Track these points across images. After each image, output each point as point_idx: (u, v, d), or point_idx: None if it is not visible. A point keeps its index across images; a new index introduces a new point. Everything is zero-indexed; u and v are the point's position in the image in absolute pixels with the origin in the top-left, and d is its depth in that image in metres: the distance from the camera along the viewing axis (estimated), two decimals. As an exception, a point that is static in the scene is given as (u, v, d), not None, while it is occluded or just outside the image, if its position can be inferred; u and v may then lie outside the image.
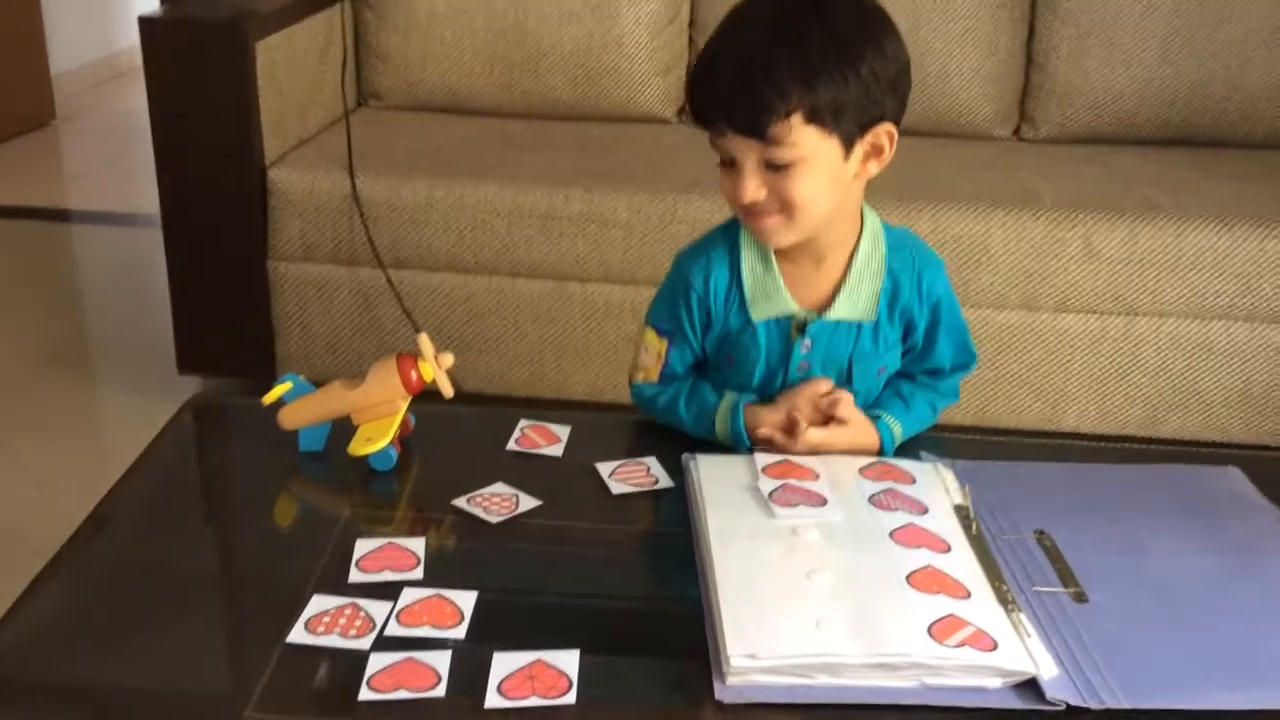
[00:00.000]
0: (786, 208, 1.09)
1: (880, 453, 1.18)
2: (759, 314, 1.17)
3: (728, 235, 1.19)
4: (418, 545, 1.02)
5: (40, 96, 4.27)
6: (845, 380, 1.20)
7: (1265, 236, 2.05)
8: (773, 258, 1.17)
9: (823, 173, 1.08)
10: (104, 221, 3.51)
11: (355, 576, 0.98)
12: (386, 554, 1.01)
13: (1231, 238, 2.05)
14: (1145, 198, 2.16)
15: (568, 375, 2.20)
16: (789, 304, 1.17)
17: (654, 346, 1.23)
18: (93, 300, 3.00)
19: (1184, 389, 2.15)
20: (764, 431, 1.16)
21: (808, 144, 1.06)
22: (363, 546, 1.01)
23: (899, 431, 1.19)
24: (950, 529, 1.05)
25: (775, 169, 1.07)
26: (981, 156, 2.40)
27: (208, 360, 2.25)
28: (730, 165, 1.10)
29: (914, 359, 1.24)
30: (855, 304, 1.17)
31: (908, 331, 1.21)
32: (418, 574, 0.99)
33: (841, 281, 1.17)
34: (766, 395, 1.22)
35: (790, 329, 1.17)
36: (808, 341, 1.17)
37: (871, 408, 1.21)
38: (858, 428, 1.17)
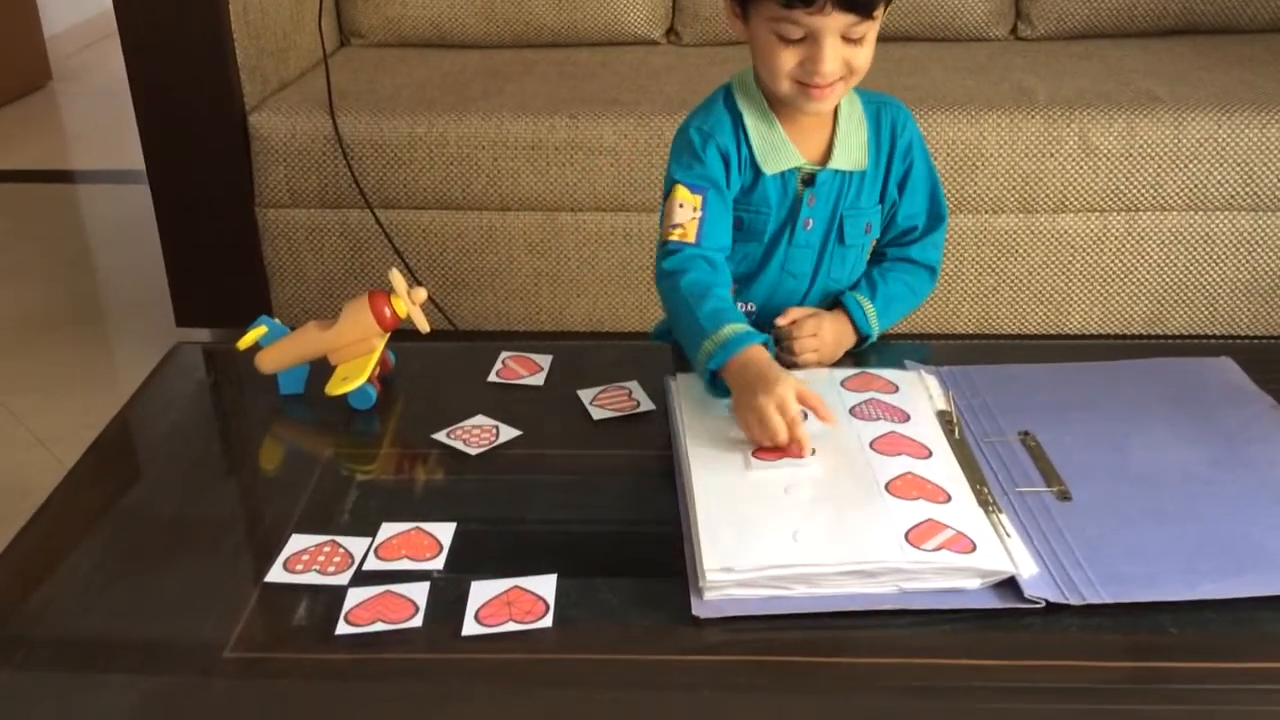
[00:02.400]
0: (850, 76, 1.13)
1: (858, 332, 1.22)
2: (770, 168, 1.19)
3: (728, 101, 1.21)
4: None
5: (35, 59, 4.25)
6: (838, 239, 1.24)
7: (1267, 123, 2.00)
8: (774, 116, 1.19)
9: (875, 38, 1.13)
10: (106, 180, 3.51)
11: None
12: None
13: (1232, 126, 2.00)
14: (1143, 90, 2.10)
15: (564, 307, 2.19)
16: (795, 156, 1.20)
17: (689, 200, 1.16)
18: (97, 259, 3.00)
19: (1189, 283, 2.11)
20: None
21: (879, 15, 1.11)
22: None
23: (871, 309, 1.23)
24: (932, 435, 1.04)
25: (852, 41, 1.10)
26: (976, 58, 2.35)
27: (205, 312, 2.25)
28: (796, 42, 1.10)
29: (888, 223, 1.27)
30: (851, 153, 1.21)
31: (886, 186, 1.24)
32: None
33: (834, 134, 1.20)
34: (768, 262, 1.24)
35: (796, 183, 1.20)
36: (812, 196, 1.21)
37: (856, 293, 1.24)
38: (829, 320, 1.21)
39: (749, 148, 1.19)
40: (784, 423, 0.98)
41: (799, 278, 1.25)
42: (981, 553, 0.89)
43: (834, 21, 1.08)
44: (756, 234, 1.23)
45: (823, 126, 1.21)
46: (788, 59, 1.11)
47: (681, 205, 1.17)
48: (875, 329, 1.23)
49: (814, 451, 1.00)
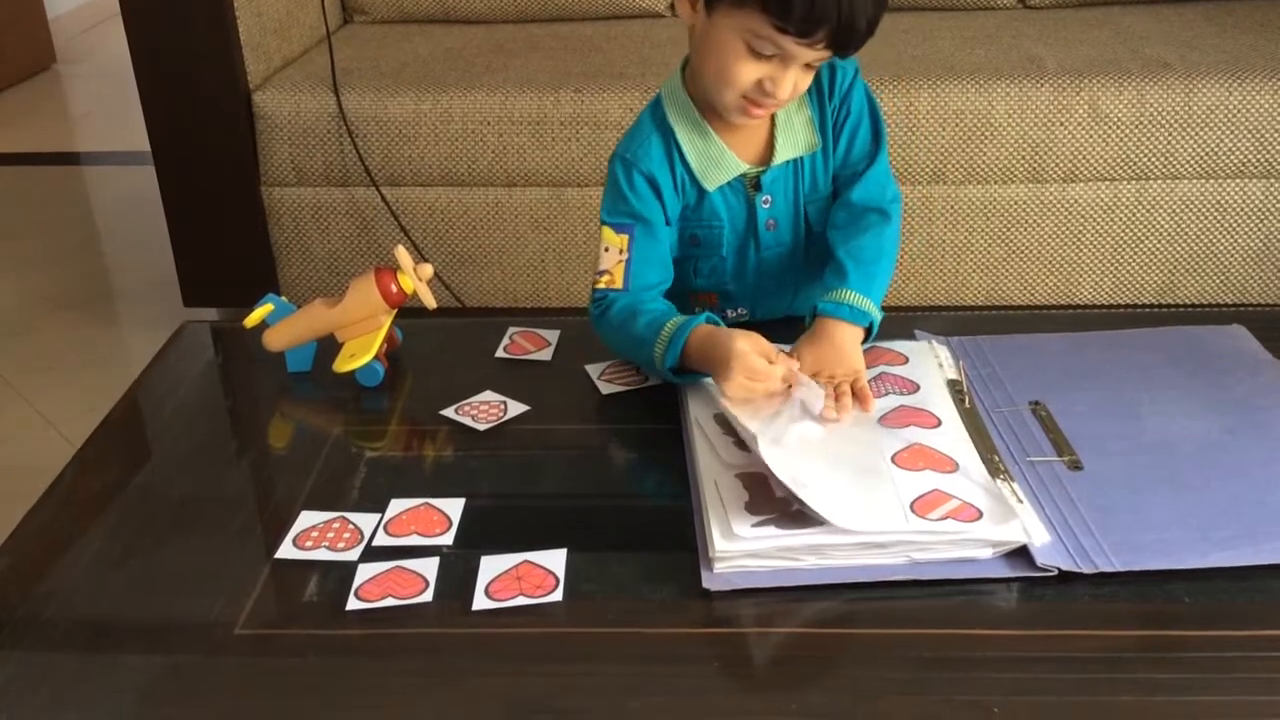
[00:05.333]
0: (790, 99, 1.09)
1: (868, 330, 1.10)
2: (711, 183, 1.15)
3: (655, 118, 1.16)
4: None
5: (39, 41, 4.25)
6: (807, 230, 1.19)
7: (1278, 89, 1.98)
8: (709, 126, 1.14)
9: None
10: (111, 161, 3.50)
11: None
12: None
13: (1243, 92, 1.98)
14: (1153, 57, 2.08)
15: (571, 283, 2.19)
16: (736, 164, 1.15)
17: (614, 243, 1.14)
18: (104, 240, 3.00)
19: (1200, 252, 2.10)
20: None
21: None
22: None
23: (850, 295, 1.08)
24: (941, 404, 1.04)
25: (808, 67, 1.07)
26: (985, 27, 2.33)
27: (212, 292, 2.25)
28: (763, 58, 1.04)
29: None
30: (795, 140, 1.16)
31: (837, 146, 1.17)
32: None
33: (774, 125, 1.15)
34: (742, 272, 1.20)
35: (746, 189, 1.16)
36: (767, 197, 1.16)
37: (828, 294, 1.10)
38: (816, 347, 1.08)
39: (685, 166, 1.14)
40: (768, 370, 0.98)
41: (779, 279, 1.21)
42: (987, 521, 0.88)
43: (812, 53, 1.03)
44: (714, 247, 1.18)
45: (762, 122, 1.15)
46: (748, 72, 1.05)
47: (607, 249, 1.14)
48: (872, 310, 1.09)
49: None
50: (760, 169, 1.16)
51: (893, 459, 0.95)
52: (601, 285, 1.14)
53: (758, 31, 1.02)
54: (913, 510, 0.89)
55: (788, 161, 1.16)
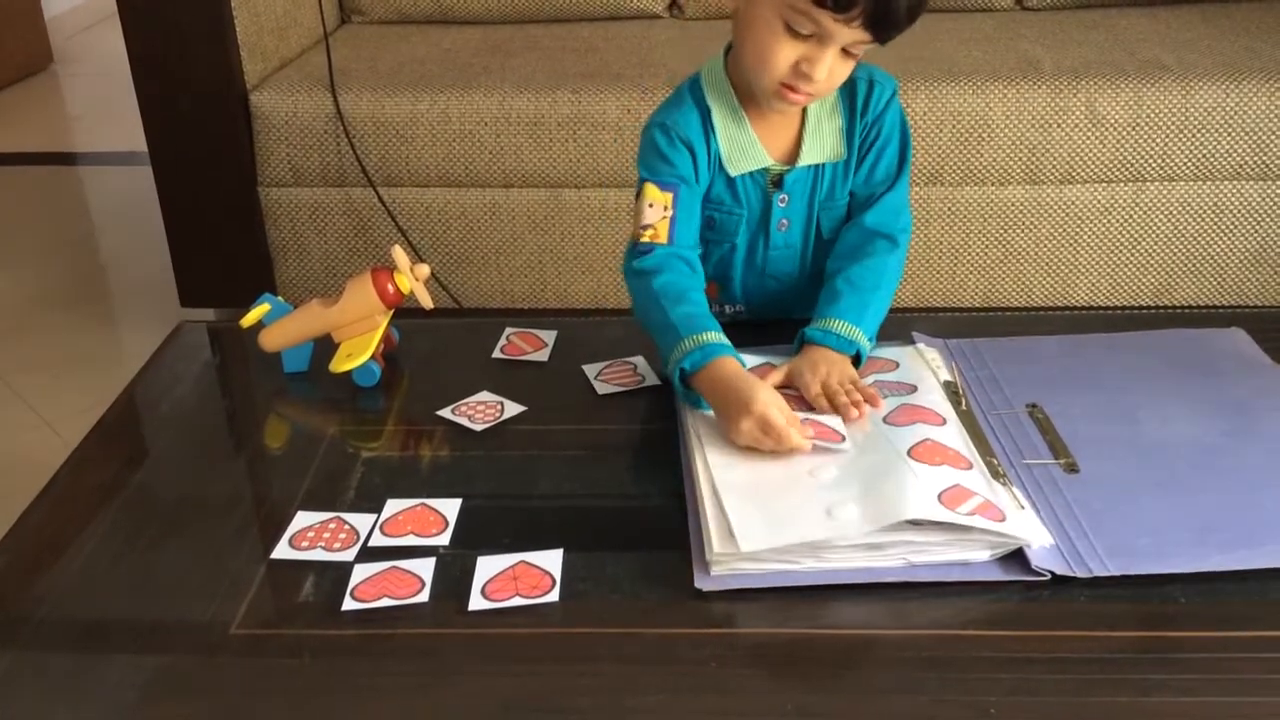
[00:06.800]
0: (827, 86, 1.09)
1: (857, 357, 1.10)
2: (736, 169, 1.16)
3: (694, 96, 1.17)
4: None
5: (36, 41, 4.24)
6: (818, 235, 1.19)
7: (1275, 91, 1.98)
8: (744, 114, 1.15)
9: None
10: (109, 162, 3.50)
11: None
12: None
13: (1240, 94, 1.98)
14: (1150, 59, 2.09)
15: (569, 284, 2.19)
16: (763, 157, 1.16)
17: (659, 199, 1.12)
18: (101, 240, 3.00)
19: (1197, 254, 2.10)
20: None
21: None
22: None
23: (841, 325, 1.09)
24: (941, 404, 1.04)
25: (848, 55, 1.07)
26: (982, 29, 2.33)
27: (209, 292, 2.25)
28: (799, 38, 1.04)
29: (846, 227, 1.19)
30: (822, 145, 1.16)
31: (861, 166, 1.17)
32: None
33: (803, 128, 1.16)
34: (749, 266, 1.21)
35: (766, 184, 1.17)
36: (784, 196, 1.17)
37: (816, 322, 1.11)
38: (821, 355, 1.08)
39: (717, 146, 1.15)
40: (785, 429, 0.96)
41: (782, 279, 1.22)
42: (1012, 521, 0.88)
43: (850, 34, 1.03)
44: (729, 234, 1.19)
45: (793, 121, 1.16)
46: (786, 54, 1.05)
47: (651, 205, 1.13)
48: (859, 339, 1.09)
49: (844, 439, 0.98)
50: (785, 168, 1.16)
51: (909, 454, 0.94)
52: (646, 238, 1.12)
53: (796, 6, 1.02)
54: (941, 503, 0.88)
55: (810, 166, 1.16)
